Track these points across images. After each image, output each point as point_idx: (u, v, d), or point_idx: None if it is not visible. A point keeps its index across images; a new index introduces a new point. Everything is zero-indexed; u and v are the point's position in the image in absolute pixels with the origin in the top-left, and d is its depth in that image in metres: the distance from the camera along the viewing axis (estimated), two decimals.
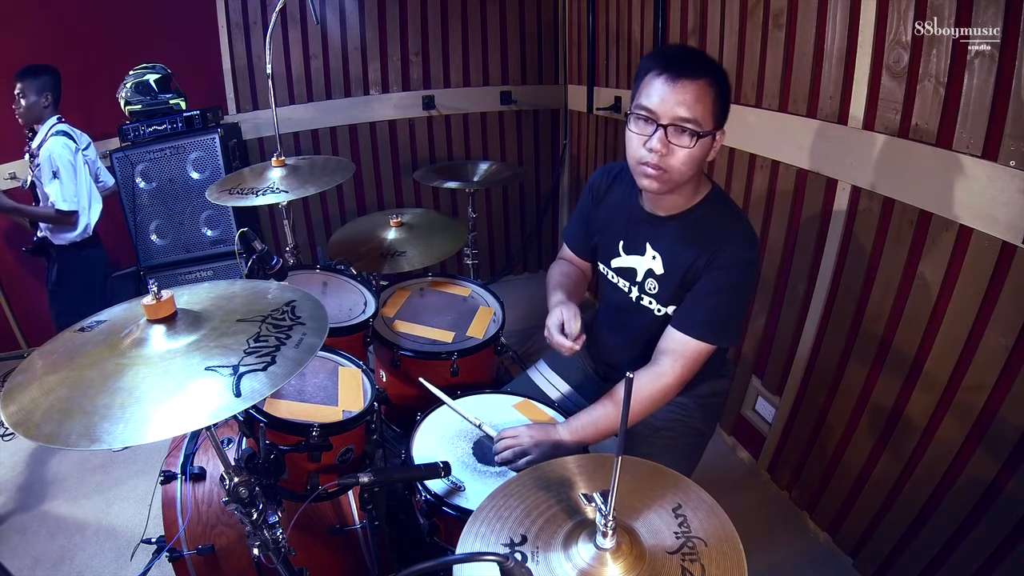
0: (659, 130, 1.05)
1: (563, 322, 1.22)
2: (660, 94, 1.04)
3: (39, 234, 2.40)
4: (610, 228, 1.33)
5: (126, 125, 2.56)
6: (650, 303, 1.27)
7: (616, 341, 1.43)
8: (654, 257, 1.24)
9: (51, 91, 2.28)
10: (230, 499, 0.97)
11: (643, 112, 1.07)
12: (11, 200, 2.26)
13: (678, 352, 1.17)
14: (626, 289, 1.31)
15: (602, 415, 1.19)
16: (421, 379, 1.44)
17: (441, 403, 1.41)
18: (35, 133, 2.31)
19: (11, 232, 2.77)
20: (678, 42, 2.30)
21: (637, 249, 1.26)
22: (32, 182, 2.34)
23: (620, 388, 1.04)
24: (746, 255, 1.15)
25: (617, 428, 1.14)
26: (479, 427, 1.31)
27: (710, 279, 1.15)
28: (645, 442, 1.35)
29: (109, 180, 2.58)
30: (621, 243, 1.30)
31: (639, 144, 1.09)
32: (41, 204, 2.28)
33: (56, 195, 2.23)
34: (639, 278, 1.27)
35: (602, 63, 2.96)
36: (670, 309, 1.24)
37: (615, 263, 1.32)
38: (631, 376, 0.67)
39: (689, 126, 1.04)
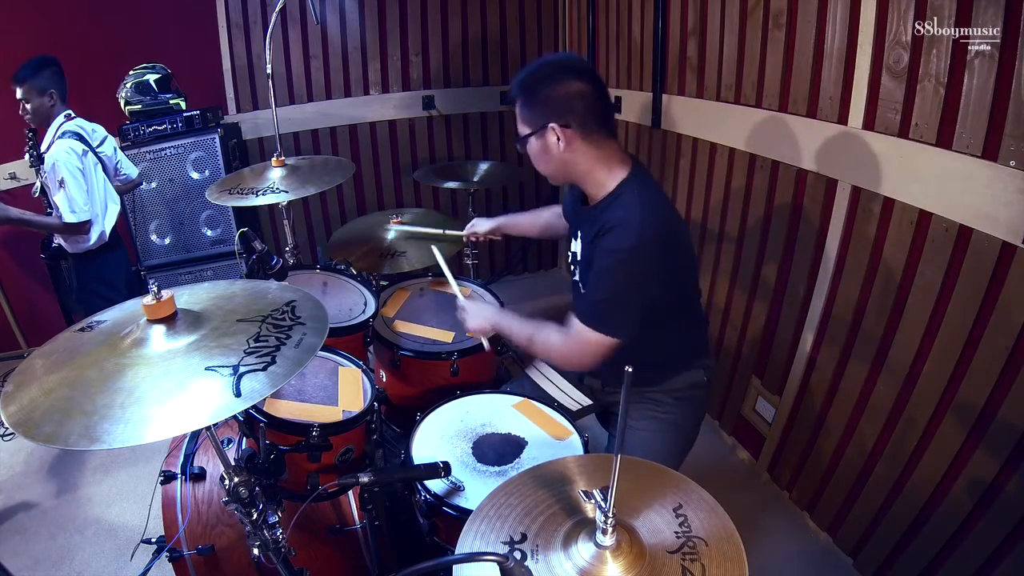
0: None
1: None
2: None
3: (55, 241, 2.30)
4: (569, 218, 1.48)
5: (126, 125, 2.56)
6: (580, 285, 1.35)
7: None
8: (578, 243, 1.35)
9: (54, 87, 2.15)
10: (230, 499, 0.97)
11: None
12: (16, 210, 2.11)
13: (570, 330, 1.25)
14: (572, 272, 1.41)
15: (523, 324, 1.38)
16: (433, 247, 1.79)
17: (440, 404, 1.42)
18: (35, 132, 2.22)
19: (21, 233, 2.72)
20: (675, 43, 2.30)
21: (575, 235, 1.38)
22: (42, 187, 2.20)
23: (548, 323, 1.33)
24: (619, 244, 1.17)
25: (520, 342, 1.38)
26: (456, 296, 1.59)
27: (594, 267, 1.23)
28: (630, 437, 1.36)
29: (132, 172, 2.45)
30: (570, 230, 1.42)
31: None
32: (54, 212, 2.13)
33: (64, 206, 2.06)
34: (575, 261, 1.39)
35: (602, 63, 2.96)
36: None
37: (570, 248, 1.42)
38: (629, 370, 0.68)
39: (517, 137, 1.29)
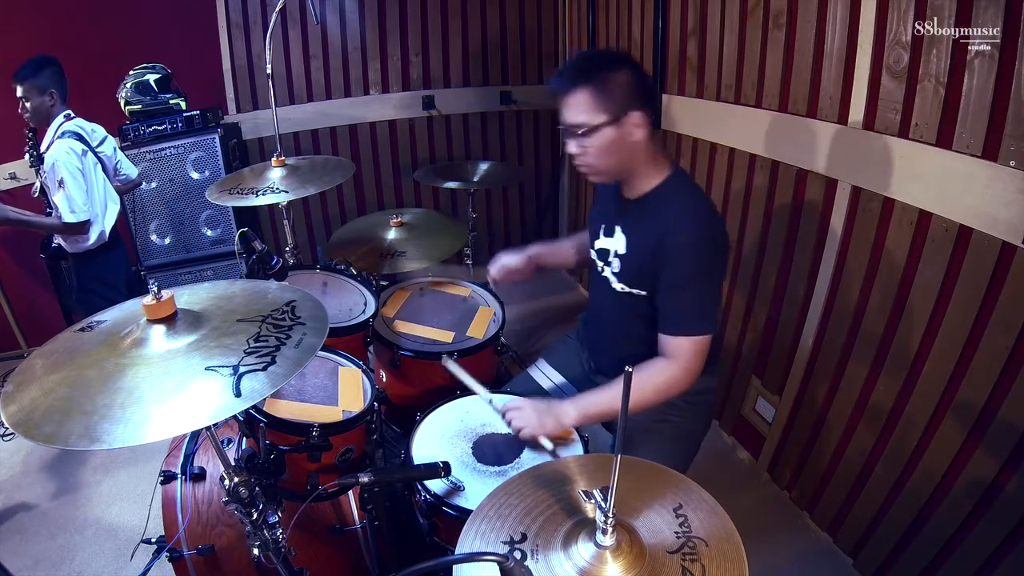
0: (569, 137, 1.22)
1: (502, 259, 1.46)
2: (560, 109, 1.22)
3: (55, 241, 2.30)
4: (598, 213, 1.42)
5: (126, 125, 2.56)
6: (615, 282, 1.33)
7: (598, 327, 1.48)
8: (620, 238, 1.31)
9: (55, 87, 2.15)
10: (230, 499, 0.97)
11: (560, 125, 1.24)
12: (14, 211, 2.11)
13: (672, 351, 1.22)
14: (600, 268, 1.38)
15: (609, 396, 1.23)
16: (443, 356, 1.52)
17: (440, 404, 1.42)
18: (35, 132, 2.21)
19: (21, 233, 2.72)
20: (675, 43, 2.30)
21: (611, 231, 1.34)
22: (42, 187, 2.20)
23: (637, 367, 1.14)
24: (691, 238, 1.18)
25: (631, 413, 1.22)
26: (490, 402, 1.35)
27: (668, 274, 1.20)
28: (632, 442, 1.35)
29: (132, 172, 2.45)
30: (603, 226, 1.37)
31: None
32: (54, 212, 2.13)
33: (63, 206, 2.07)
34: (610, 258, 1.34)
35: None
36: (636, 291, 1.29)
37: (598, 244, 1.38)
38: (630, 370, 0.68)
39: (575, 129, 1.19)
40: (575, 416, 1.24)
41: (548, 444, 1.24)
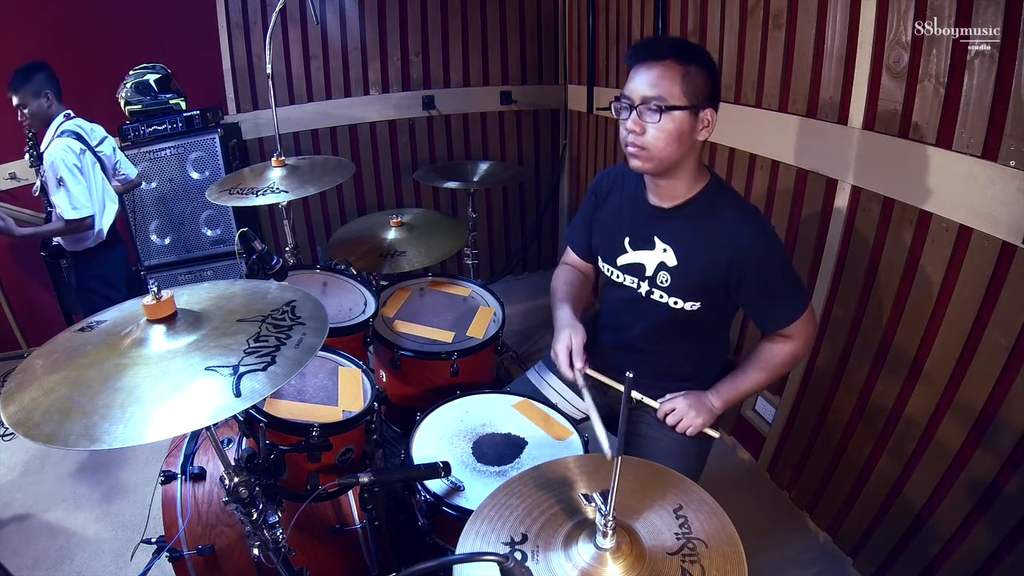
0: (632, 111, 1.14)
1: (571, 349, 1.27)
2: (631, 80, 1.15)
3: (55, 240, 2.32)
4: (615, 227, 1.34)
5: (126, 125, 2.56)
6: (661, 297, 1.27)
7: (624, 339, 1.39)
8: (665, 250, 1.25)
9: (49, 88, 2.16)
10: (230, 499, 0.97)
11: (621, 99, 1.16)
12: (21, 228, 2.14)
13: (789, 335, 1.26)
14: (635, 286, 1.31)
15: (744, 379, 1.31)
16: (589, 370, 1.30)
17: (440, 404, 1.42)
18: (35, 133, 2.24)
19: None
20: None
21: (646, 244, 1.27)
22: (42, 186, 2.22)
23: (758, 351, 1.30)
24: (767, 244, 1.19)
25: (755, 390, 1.36)
26: (640, 401, 1.33)
27: (759, 285, 1.20)
28: (655, 445, 1.35)
29: (131, 172, 2.46)
30: (627, 239, 1.30)
31: (622, 128, 1.18)
32: (54, 212, 2.16)
33: (63, 204, 2.09)
34: (649, 273, 1.28)
35: (602, 63, 2.96)
36: (688, 305, 1.24)
37: (622, 260, 1.32)
38: (630, 375, 0.68)
39: (653, 102, 1.11)
40: (720, 405, 1.30)
41: (715, 434, 1.31)
